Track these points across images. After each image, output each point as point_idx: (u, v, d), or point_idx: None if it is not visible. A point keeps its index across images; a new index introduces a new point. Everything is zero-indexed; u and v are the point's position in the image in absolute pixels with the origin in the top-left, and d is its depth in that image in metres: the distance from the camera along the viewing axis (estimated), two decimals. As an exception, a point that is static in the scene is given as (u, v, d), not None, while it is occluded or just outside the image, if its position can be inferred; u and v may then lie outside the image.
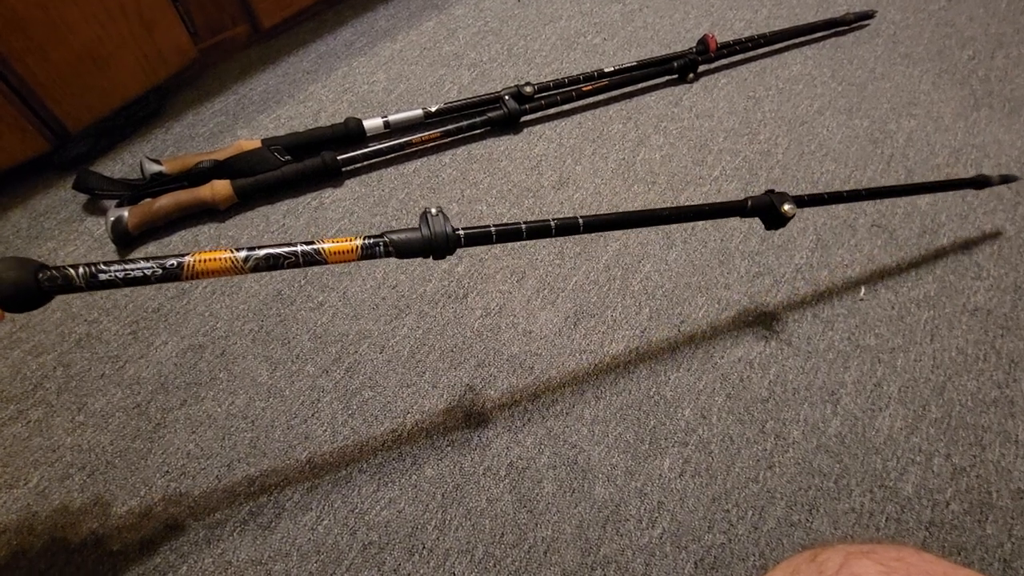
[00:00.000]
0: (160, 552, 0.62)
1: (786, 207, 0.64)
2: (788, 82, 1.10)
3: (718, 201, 0.65)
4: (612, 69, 1.06)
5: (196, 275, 0.45)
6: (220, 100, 1.05)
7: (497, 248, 0.86)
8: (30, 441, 0.69)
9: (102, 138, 0.96)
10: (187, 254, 0.45)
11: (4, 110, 0.82)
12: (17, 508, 0.64)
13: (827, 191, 0.72)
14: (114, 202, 0.87)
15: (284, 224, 0.89)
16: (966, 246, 0.88)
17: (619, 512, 0.65)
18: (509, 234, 0.54)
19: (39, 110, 0.86)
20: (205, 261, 0.45)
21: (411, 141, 0.95)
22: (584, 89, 1.03)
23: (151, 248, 0.86)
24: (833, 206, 0.92)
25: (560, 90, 1.03)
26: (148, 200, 0.86)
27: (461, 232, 0.52)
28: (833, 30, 1.19)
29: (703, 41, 1.09)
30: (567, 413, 0.72)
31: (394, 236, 0.49)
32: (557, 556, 0.63)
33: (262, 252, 0.46)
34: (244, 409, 0.71)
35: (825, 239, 0.88)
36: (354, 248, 0.48)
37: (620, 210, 0.60)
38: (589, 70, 1.05)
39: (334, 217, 0.90)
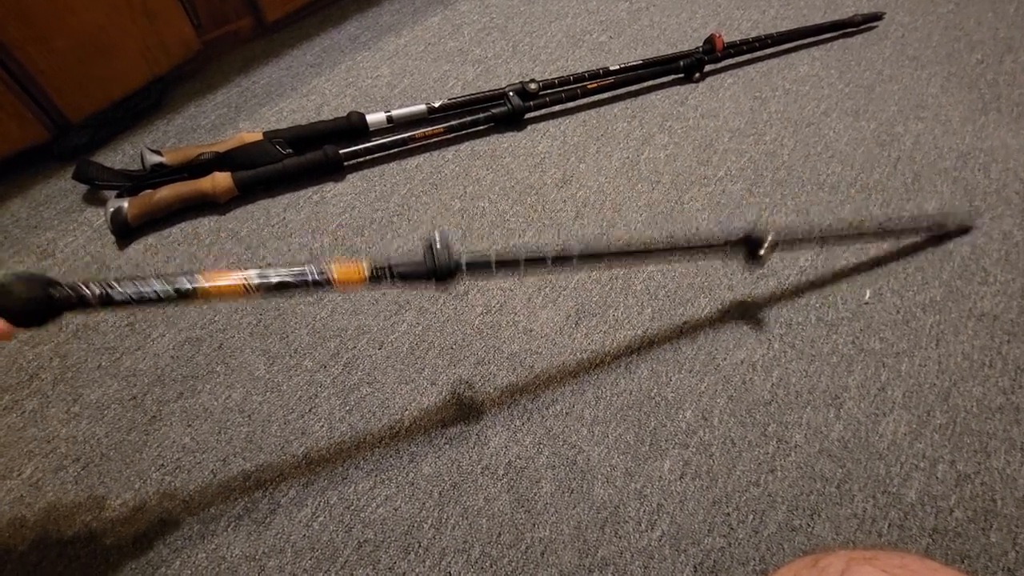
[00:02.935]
0: (153, 546, 0.61)
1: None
2: (795, 83, 1.09)
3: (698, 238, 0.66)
4: (618, 67, 1.05)
5: (208, 297, 0.46)
6: (223, 92, 1.04)
7: (499, 245, 0.86)
8: (25, 431, 0.68)
9: (103, 128, 0.95)
10: (199, 274, 0.46)
11: (4, 98, 0.82)
12: (10, 499, 0.64)
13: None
14: (114, 193, 0.87)
15: (284, 218, 0.88)
16: (973, 250, 0.87)
17: (618, 514, 0.64)
18: (509, 264, 0.56)
19: (40, 99, 0.86)
20: (218, 286, 0.46)
21: (414, 136, 0.95)
22: (589, 87, 1.02)
23: (151, 240, 0.85)
24: (840, 207, 0.91)
25: (565, 87, 1.03)
26: (148, 191, 0.86)
27: (464, 259, 0.53)
28: (841, 31, 1.18)
29: (710, 40, 1.08)
30: (567, 413, 0.71)
31: (401, 268, 0.51)
32: (554, 557, 0.62)
33: (274, 279, 0.48)
34: (241, 403, 0.71)
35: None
36: (361, 276, 0.50)
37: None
38: (594, 68, 1.04)
39: (335, 211, 0.89)
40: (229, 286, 0.46)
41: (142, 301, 0.44)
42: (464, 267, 0.53)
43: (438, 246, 0.51)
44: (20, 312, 0.42)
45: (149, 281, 0.44)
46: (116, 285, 0.43)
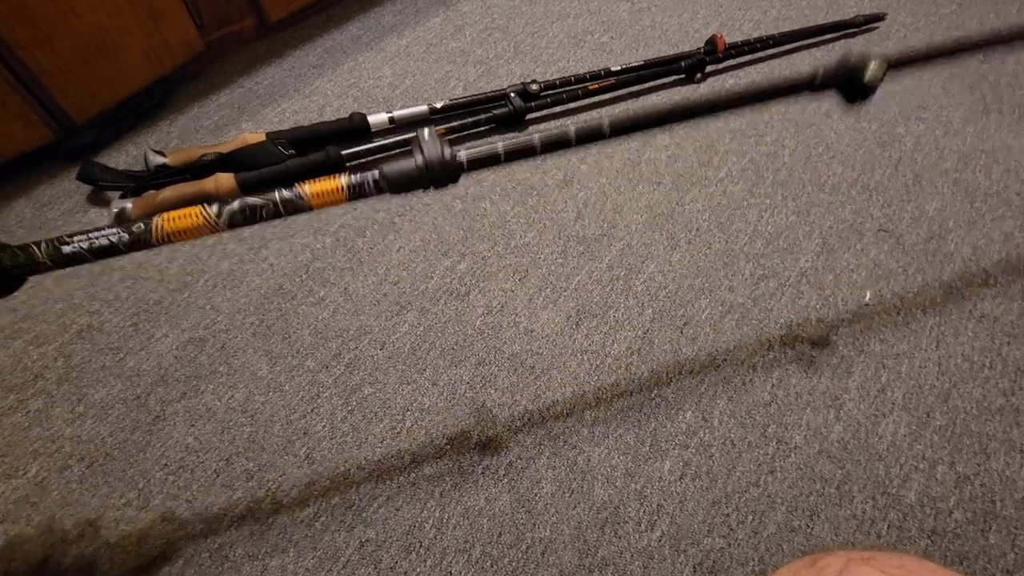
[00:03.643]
0: (157, 545, 0.62)
1: (871, 69, 0.49)
2: (796, 84, 1.09)
3: (781, 80, 0.52)
4: (619, 68, 1.05)
5: (166, 237, 0.41)
6: (225, 93, 1.04)
7: (500, 246, 0.86)
8: (30, 431, 0.69)
9: (107, 129, 0.96)
10: (155, 216, 0.40)
11: (10, 99, 0.82)
12: (15, 498, 0.64)
13: (923, 46, 0.56)
14: (118, 194, 0.87)
15: (287, 219, 0.88)
16: (973, 252, 0.87)
17: (618, 514, 0.65)
18: (520, 151, 0.46)
19: (44, 100, 0.86)
20: (174, 220, 0.40)
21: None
22: (590, 88, 1.03)
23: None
24: (841, 208, 0.91)
25: (566, 88, 1.03)
26: (152, 192, 0.86)
27: (463, 154, 0.44)
28: (842, 32, 1.18)
29: (711, 41, 1.08)
30: (567, 413, 0.71)
31: (386, 168, 0.43)
32: (555, 557, 0.62)
33: (236, 204, 0.42)
34: (243, 403, 0.71)
35: (831, 243, 0.87)
36: (339, 188, 0.43)
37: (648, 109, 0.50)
38: (596, 69, 1.05)
39: (337, 213, 0.89)
40: (186, 219, 0.41)
41: (96, 252, 0.40)
42: (464, 163, 0.45)
43: (426, 139, 0.43)
44: None
45: (101, 229, 0.40)
46: (66, 239, 0.40)
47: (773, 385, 0.74)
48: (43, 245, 0.39)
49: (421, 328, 0.78)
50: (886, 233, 0.89)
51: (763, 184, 0.94)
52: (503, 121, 0.99)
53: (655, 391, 0.73)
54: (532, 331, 0.78)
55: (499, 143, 0.45)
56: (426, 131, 0.44)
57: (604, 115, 0.47)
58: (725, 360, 0.76)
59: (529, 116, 1.02)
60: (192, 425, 0.70)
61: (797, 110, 1.05)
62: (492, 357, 0.75)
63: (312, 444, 0.68)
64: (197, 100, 1.03)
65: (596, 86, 1.03)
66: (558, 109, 1.03)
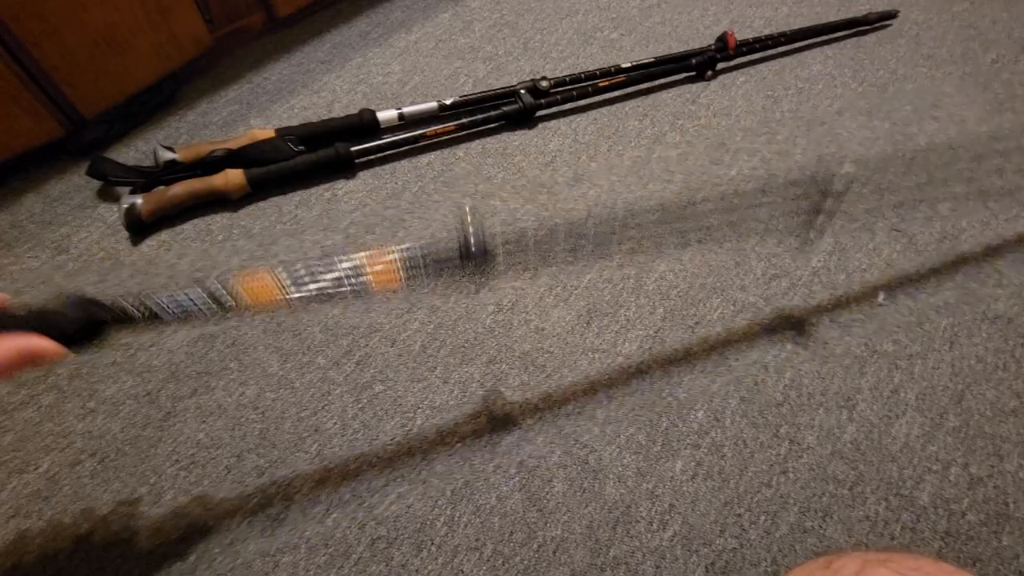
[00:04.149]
0: (168, 540, 0.62)
1: None
2: (808, 82, 1.09)
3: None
4: (629, 65, 1.04)
5: (247, 310, 0.46)
6: (234, 89, 1.04)
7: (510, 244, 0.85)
8: (41, 426, 0.69)
9: (116, 124, 0.95)
10: (236, 283, 0.45)
11: (19, 94, 0.82)
12: (27, 493, 0.64)
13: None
14: (127, 189, 0.87)
15: (296, 215, 0.88)
16: (987, 252, 0.86)
17: (630, 513, 0.65)
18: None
19: (54, 95, 0.86)
20: (257, 296, 0.45)
21: (425, 134, 0.95)
22: (600, 85, 1.02)
23: (164, 236, 0.85)
24: (853, 207, 0.90)
25: (576, 85, 1.02)
26: (161, 188, 0.86)
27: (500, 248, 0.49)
28: (854, 30, 1.17)
29: (722, 38, 1.07)
30: (579, 412, 0.71)
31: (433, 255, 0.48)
32: (566, 556, 0.62)
33: (314, 289, 0.46)
34: (254, 400, 0.71)
35: (843, 242, 0.87)
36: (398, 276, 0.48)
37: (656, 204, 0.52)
38: (606, 65, 1.04)
39: (347, 209, 0.89)
40: (269, 299, 0.46)
41: (181, 315, 0.44)
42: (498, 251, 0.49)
43: (470, 225, 0.48)
44: (73, 333, 0.43)
45: (190, 294, 0.44)
46: (159, 301, 0.44)
47: (785, 385, 0.74)
48: (136, 303, 0.43)
49: (431, 325, 0.77)
50: (899, 233, 0.88)
51: (775, 182, 0.94)
52: (513, 118, 0.99)
53: (667, 391, 0.73)
54: (543, 329, 0.78)
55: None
56: (468, 213, 0.49)
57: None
58: (737, 360, 0.75)
59: (539, 113, 1.01)
60: (203, 421, 0.69)
61: (808, 108, 1.04)
62: (503, 355, 0.75)
63: (323, 441, 0.68)
64: (206, 96, 1.03)
65: (606, 83, 1.02)
66: (568, 106, 1.03)
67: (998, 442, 0.70)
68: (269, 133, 0.92)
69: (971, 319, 0.80)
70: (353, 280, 0.47)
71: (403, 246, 0.48)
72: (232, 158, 0.88)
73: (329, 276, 0.47)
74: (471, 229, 0.48)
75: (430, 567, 0.61)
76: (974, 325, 0.79)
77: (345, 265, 0.47)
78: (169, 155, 0.88)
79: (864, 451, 0.69)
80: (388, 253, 0.47)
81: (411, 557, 0.61)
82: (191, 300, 0.44)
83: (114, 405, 0.70)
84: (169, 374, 0.73)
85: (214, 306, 0.45)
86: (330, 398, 0.71)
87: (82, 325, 0.43)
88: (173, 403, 0.71)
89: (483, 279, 0.51)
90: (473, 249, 0.48)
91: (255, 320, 0.77)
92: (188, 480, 0.66)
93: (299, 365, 0.74)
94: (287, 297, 0.46)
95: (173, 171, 0.88)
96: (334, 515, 0.64)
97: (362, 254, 0.47)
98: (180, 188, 0.85)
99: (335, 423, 0.70)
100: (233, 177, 0.87)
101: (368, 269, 0.47)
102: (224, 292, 0.45)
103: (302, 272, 0.47)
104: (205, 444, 0.68)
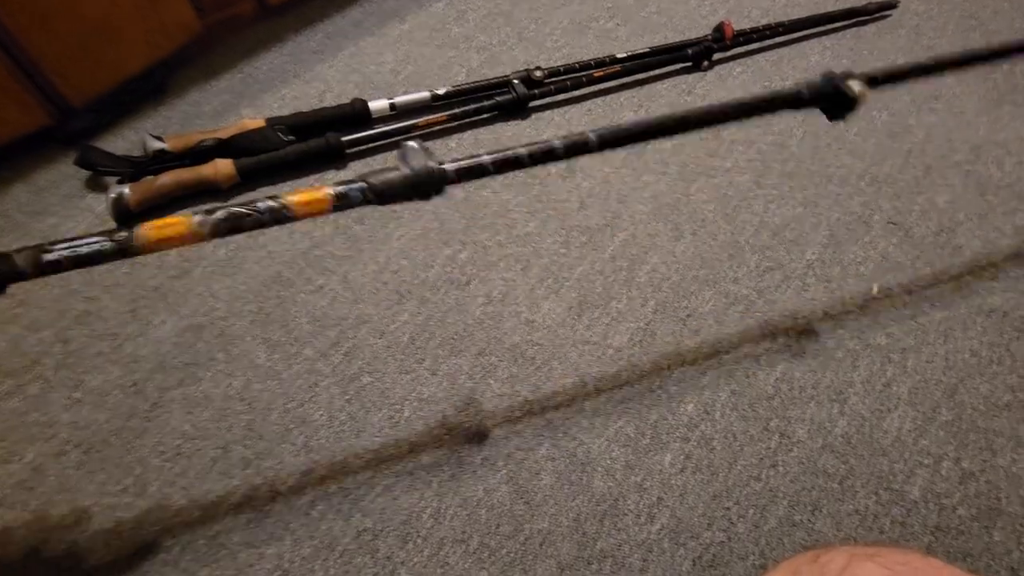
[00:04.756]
0: (153, 532, 0.61)
1: (854, 86, 0.51)
2: (806, 72, 1.07)
3: (768, 94, 0.56)
4: (624, 55, 1.03)
5: (151, 246, 0.41)
6: (225, 78, 1.03)
7: (502, 235, 0.85)
8: (27, 416, 0.68)
9: (105, 113, 0.94)
10: (138, 224, 0.40)
11: (6, 82, 0.81)
12: (12, 483, 0.64)
13: (907, 64, 0.59)
14: (115, 179, 0.86)
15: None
16: (984, 245, 0.85)
17: (617, 506, 0.64)
18: (507, 162, 0.46)
19: (41, 83, 0.85)
20: (159, 228, 0.41)
21: (417, 124, 0.93)
22: (595, 75, 1.01)
23: (152, 226, 0.85)
24: (849, 200, 0.89)
25: (570, 75, 1.01)
26: (150, 177, 0.85)
27: (449, 166, 0.45)
28: (854, 20, 1.16)
29: (719, 28, 1.06)
30: (567, 405, 0.70)
31: (372, 179, 0.43)
32: (553, 548, 0.62)
33: (221, 213, 0.41)
34: (241, 391, 0.71)
35: (838, 235, 0.86)
36: (325, 197, 0.42)
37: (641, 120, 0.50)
38: (601, 55, 1.03)
39: (337, 199, 0.88)
40: (171, 227, 0.41)
41: (80, 261, 0.39)
42: (450, 173, 0.45)
43: (413, 149, 0.44)
44: None
45: (86, 236, 0.39)
46: (48, 247, 0.39)
47: (777, 379, 0.73)
48: (24, 253, 0.39)
49: (421, 317, 0.77)
50: (895, 226, 0.87)
51: (770, 175, 0.93)
52: (506, 108, 0.98)
53: (657, 383, 0.72)
54: (533, 321, 0.77)
55: (485, 155, 0.46)
56: (413, 143, 0.45)
57: (590, 131, 0.48)
58: (728, 353, 0.75)
59: (533, 103, 1.00)
60: (189, 412, 0.69)
61: (806, 99, 1.03)
62: (492, 347, 0.75)
63: (310, 433, 0.68)
64: (196, 85, 1.02)
65: (601, 73, 1.01)
66: (562, 97, 1.02)
67: (991, 436, 0.70)
68: (260, 123, 0.91)
69: (966, 312, 0.79)
70: (274, 204, 0.43)
71: (339, 184, 0.43)
72: (222, 148, 0.88)
73: (247, 206, 0.42)
74: (416, 154, 0.45)
75: (416, 559, 0.61)
76: (969, 319, 0.78)
77: (267, 202, 0.43)
78: (158, 144, 0.87)
79: (855, 445, 0.69)
80: (321, 188, 0.43)
81: (396, 549, 0.61)
82: (89, 245, 0.40)
83: (100, 395, 0.70)
84: (156, 364, 0.72)
85: (110, 245, 0.40)
86: (317, 390, 0.71)
87: None
88: (160, 394, 0.70)
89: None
90: (421, 175, 0.44)
91: (243, 312, 0.77)
92: (174, 471, 0.65)
93: (286, 356, 0.73)
94: (191, 228, 0.41)
95: (162, 161, 0.87)
96: (320, 507, 0.63)
97: (291, 196, 0.43)
98: (168, 178, 0.84)
99: (322, 415, 0.69)
100: (223, 167, 0.86)
101: (292, 198, 0.43)
102: (127, 235, 0.40)
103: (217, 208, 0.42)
104: (191, 435, 0.68)
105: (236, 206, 0.42)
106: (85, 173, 0.89)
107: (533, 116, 1.00)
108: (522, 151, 0.47)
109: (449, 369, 0.73)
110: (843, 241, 0.85)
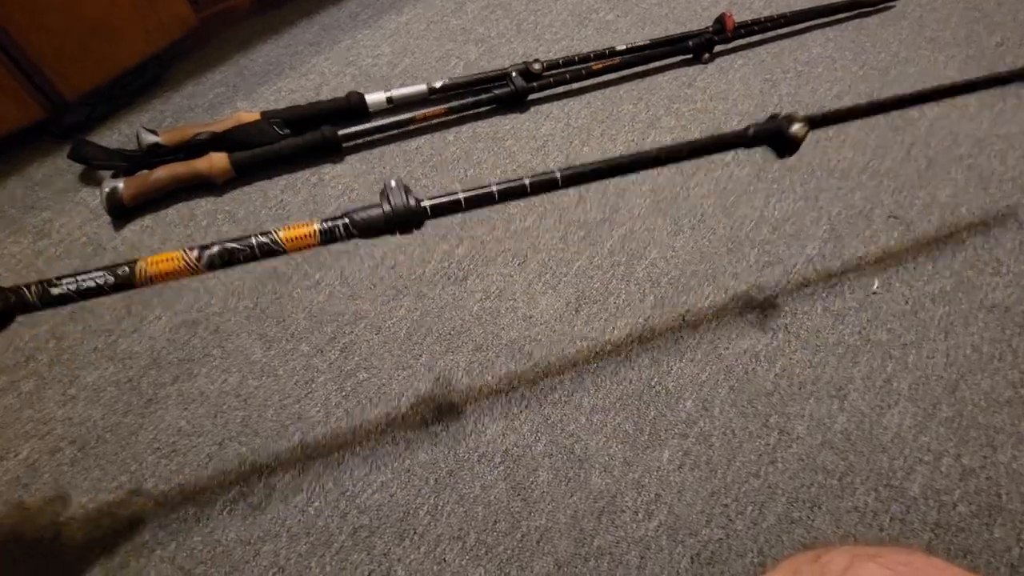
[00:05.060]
0: (149, 528, 0.61)
1: (795, 128, 0.56)
2: (807, 65, 1.06)
3: (716, 135, 0.61)
4: (624, 47, 1.02)
5: (150, 279, 0.44)
6: (220, 71, 1.02)
7: (499, 230, 0.84)
8: (21, 413, 0.68)
9: (99, 107, 0.94)
10: (138, 259, 0.44)
11: (3, 79, 0.80)
12: (7, 480, 0.64)
13: (842, 107, 0.66)
14: (110, 173, 0.86)
15: (282, 200, 0.87)
16: (986, 240, 0.84)
17: (615, 503, 0.64)
18: (480, 199, 0.50)
19: (35, 77, 0.84)
20: (157, 263, 0.44)
21: (414, 117, 0.92)
22: (594, 67, 1.00)
23: (147, 221, 0.84)
24: (850, 194, 0.89)
25: (569, 68, 1.00)
26: (144, 171, 0.85)
27: (427, 203, 0.48)
28: (856, 11, 1.14)
29: (720, 20, 1.04)
30: (565, 401, 0.70)
31: (355, 216, 0.46)
32: (550, 546, 0.61)
33: (215, 248, 0.45)
34: (237, 387, 0.70)
35: (839, 229, 0.85)
36: (312, 233, 0.46)
37: (605, 158, 0.55)
38: (600, 48, 1.02)
39: (333, 194, 0.87)
40: (169, 262, 0.44)
41: (83, 293, 0.43)
42: (428, 210, 0.49)
43: (393, 188, 0.47)
44: None
45: (88, 272, 0.43)
46: (55, 281, 0.43)
47: (776, 374, 0.72)
48: (33, 288, 0.42)
49: (417, 313, 0.76)
50: (896, 220, 0.86)
51: (770, 168, 0.92)
52: (504, 101, 0.97)
53: (655, 379, 0.72)
54: (531, 317, 0.76)
55: (460, 193, 0.49)
56: (392, 182, 0.48)
57: (556, 168, 0.53)
58: (728, 348, 0.74)
59: (531, 97, 0.99)
60: (185, 409, 0.69)
61: (808, 92, 1.02)
62: (489, 343, 0.74)
63: (306, 429, 0.68)
64: (191, 78, 1.01)
65: (600, 66, 1.00)
66: (561, 89, 1.00)
67: (992, 433, 0.69)
68: (255, 116, 0.90)
69: (968, 308, 0.78)
70: (265, 240, 0.46)
71: (325, 220, 0.47)
72: (216, 141, 0.87)
73: (240, 242, 0.45)
74: (395, 192, 0.47)
75: (412, 556, 0.60)
76: (970, 314, 0.78)
77: (259, 238, 0.46)
78: (152, 138, 0.87)
79: (855, 441, 0.68)
80: (308, 224, 0.47)
81: (393, 546, 0.61)
82: (93, 279, 0.43)
83: (95, 392, 0.69)
84: (151, 360, 0.72)
85: (112, 280, 0.44)
86: (313, 386, 0.70)
87: None
88: (155, 390, 0.70)
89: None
90: (397, 215, 0.47)
91: (238, 307, 0.76)
92: (169, 468, 0.65)
93: (282, 352, 0.73)
94: (188, 261, 0.44)
95: (156, 155, 0.86)
96: (316, 503, 0.63)
97: (280, 232, 0.46)
98: (163, 172, 0.84)
99: (318, 411, 0.69)
100: (217, 161, 0.85)
101: (281, 232, 0.46)
102: (126, 269, 0.44)
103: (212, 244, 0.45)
104: (187, 432, 0.67)
105: (230, 242, 0.45)
106: (79, 167, 0.88)
107: (532, 109, 0.99)
108: (493, 188, 0.50)
109: (446, 365, 0.72)
110: (844, 235, 0.85)
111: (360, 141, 0.93)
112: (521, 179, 0.51)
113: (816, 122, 0.58)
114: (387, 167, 0.91)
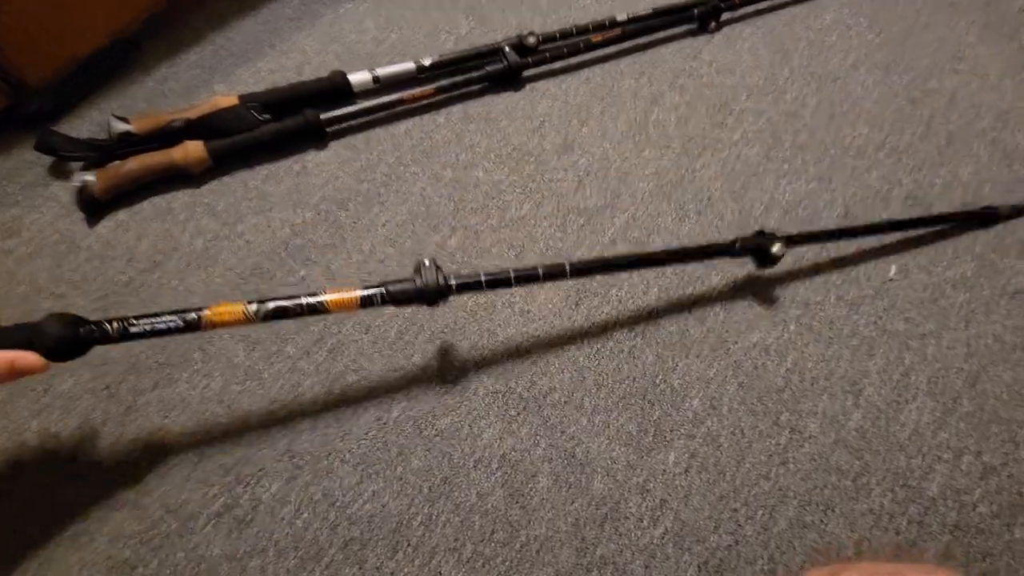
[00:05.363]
0: (130, 545, 0.58)
1: (776, 248, 0.65)
2: (820, 32, 1.00)
3: (705, 243, 0.68)
4: (625, 17, 0.95)
5: (213, 325, 0.53)
6: (195, 51, 0.96)
7: (494, 218, 0.80)
8: (-7, 424, 0.65)
9: (67, 93, 0.88)
10: (205, 308, 0.53)
11: (-48, 62, 0.75)
12: (-20, 495, 0.61)
13: (822, 229, 0.73)
14: (80, 165, 0.81)
15: (264, 190, 0.82)
16: (1010, 222, 0.80)
17: (619, 509, 0.61)
18: (500, 281, 0.59)
19: (-7, 62, 0.78)
20: (220, 315, 0.53)
21: (402, 98, 0.87)
22: (594, 40, 0.93)
23: (121, 215, 0.80)
24: (866, 174, 0.84)
25: (567, 41, 0.94)
26: (116, 163, 0.80)
27: (453, 282, 0.57)
28: (873, -26, 1.07)
29: (727, -14, 0.98)
30: (565, 402, 0.66)
31: (390, 287, 0.55)
32: (551, 556, 0.59)
33: (271, 305, 0.54)
34: (220, 393, 0.67)
35: (854, 212, 0.80)
36: (354, 300, 0.55)
37: (608, 254, 0.66)
38: (600, 18, 0.95)
39: (317, 183, 0.83)
40: (232, 317, 0.53)
41: (156, 333, 0.52)
42: (454, 287, 0.57)
43: (427, 267, 0.56)
44: (55, 349, 0.49)
45: (161, 315, 0.52)
46: (133, 320, 0.52)
47: (787, 369, 0.69)
48: (115, 324, 0.52)
49: (408, 310, 0.72)
50: (914, 201, 0.81)
51: (781, 147, 0.86)
52: (497, 79, 0.91)
53: (660, 377, 0.68)
54: (528, 312, 0.72)
55: (482, 275, 0.59)
56: (427, 260, 0.57)
57: (567, 262, 0.62)
58: (736, 343, 0.70)
59: (526, 73, 0.93)
60: (166, 416, 0.65)
61: (821, 62, 0.96)
62: (485, 340, 0.70)
63: (293, 436, 0.64)
64: (165, 60, 0.95)
65: (600, 38, 0.94)
66: (558, 65, 0.94)
67: (1014, 428, 0.66)
68: (232, 100, 0.85)
69: (989, 294, 0.74)
70: (314, 302, 0.55)
71: (365, 289, 0.56)
72: (191, 129, 0.81)
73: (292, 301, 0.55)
74: (427, 271, 0.56)
75: (406, 569, 0.58)
76: (992, 301, 0.74)
77: (308, 299, 0.55)
78: (123, 126, 0.81)
79: (870, 439, 0.65)
80: (351, 291, 0.55)
81: (386, 559, 0.58)
82: (165, 322, 0.52)
83: (70, 400, 0.66)
84: (129, 366, 0.68)
85: (181, 324, 0.52)
86: (300, 389, 0.67)
87: (62, 342, 0.49)
88: (134, 397, 0.66)
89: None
90: (427, 291, 0.56)
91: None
92: (150, 480, 0.62)
93: (267, 355, 0.69)
94: (247, 312, 0.53)
95: (128, 144, 0.81)
96: (304, 515, 0.60)
97: (327, 295, 0.55)
98: (135, 163, 0.79)
99: (305, 416, 0.65)
100: (193, 150, 0.80)
101: (328, 297, 0.55)
102: (194, 316, 0.52)
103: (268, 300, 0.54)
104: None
105: (284, 300, 0.54)
106: (47, 159, 0.83)
107: (527, 87, 0.93)
108: (511, 274, 0.59)
109: (440, 365, 0.69)
110: (859, 219, 0.80)
111: (345, 125, 0.87)
112: (536, 266, 0.61)
113: (794, 241, 0.68)
114: (374, 153, 0.86)
